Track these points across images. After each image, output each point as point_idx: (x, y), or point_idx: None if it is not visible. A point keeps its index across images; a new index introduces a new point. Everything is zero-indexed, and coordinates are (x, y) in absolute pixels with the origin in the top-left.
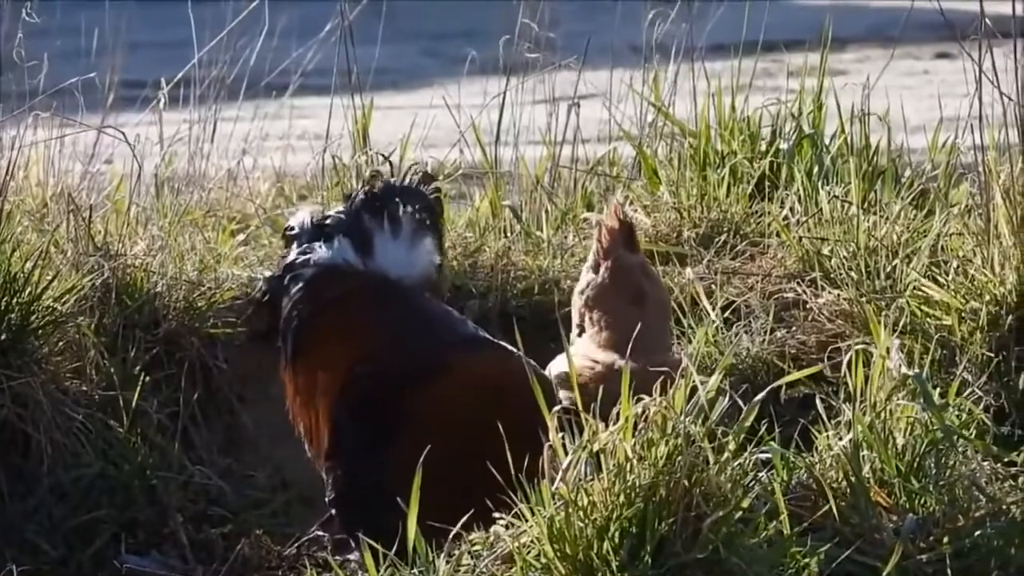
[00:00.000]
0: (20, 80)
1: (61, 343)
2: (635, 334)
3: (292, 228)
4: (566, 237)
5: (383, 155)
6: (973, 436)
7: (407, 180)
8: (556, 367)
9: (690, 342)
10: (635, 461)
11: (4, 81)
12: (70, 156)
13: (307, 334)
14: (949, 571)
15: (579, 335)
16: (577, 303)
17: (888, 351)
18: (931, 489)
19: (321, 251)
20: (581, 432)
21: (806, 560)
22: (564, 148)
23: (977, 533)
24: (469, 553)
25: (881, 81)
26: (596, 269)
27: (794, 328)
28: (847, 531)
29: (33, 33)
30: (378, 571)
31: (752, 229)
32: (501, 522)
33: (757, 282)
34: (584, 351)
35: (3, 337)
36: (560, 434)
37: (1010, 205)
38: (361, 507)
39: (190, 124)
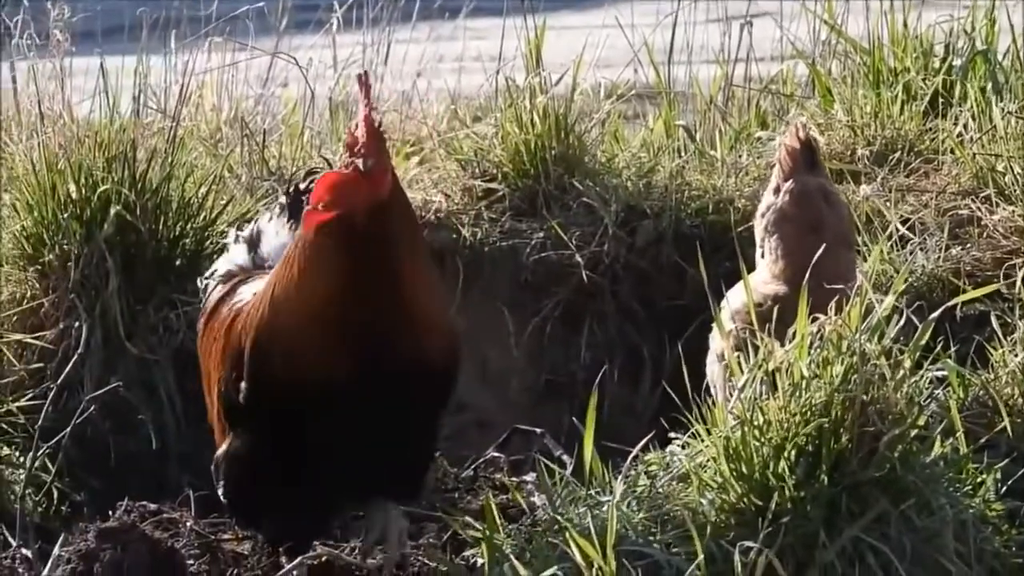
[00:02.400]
0: (193, 5)
1: None
2: (812, 265)
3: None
4: (740, 156)
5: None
6: None
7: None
8: (733, 297)
9: (865, 260)
10: (810, 380)
11: (177, 7)
12: (244, 81)
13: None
14: None
15: (762, 255)
16: (759, 226)
17: None
18: None
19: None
20: (756, 352)
21: (982, 477)
22: (737, 67)
23: None
24: (645, 473)
25: None
26: (776, 192)
27: (969, 245)
28: (1023, 448)
29: None
30: (556, 492)
31: (926, 146)
32: (677, 442)
33: (931, 199)
34: (760, 280)
35: (178, 262)
36: (736, 354)
37: None
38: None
39: (363, 47)
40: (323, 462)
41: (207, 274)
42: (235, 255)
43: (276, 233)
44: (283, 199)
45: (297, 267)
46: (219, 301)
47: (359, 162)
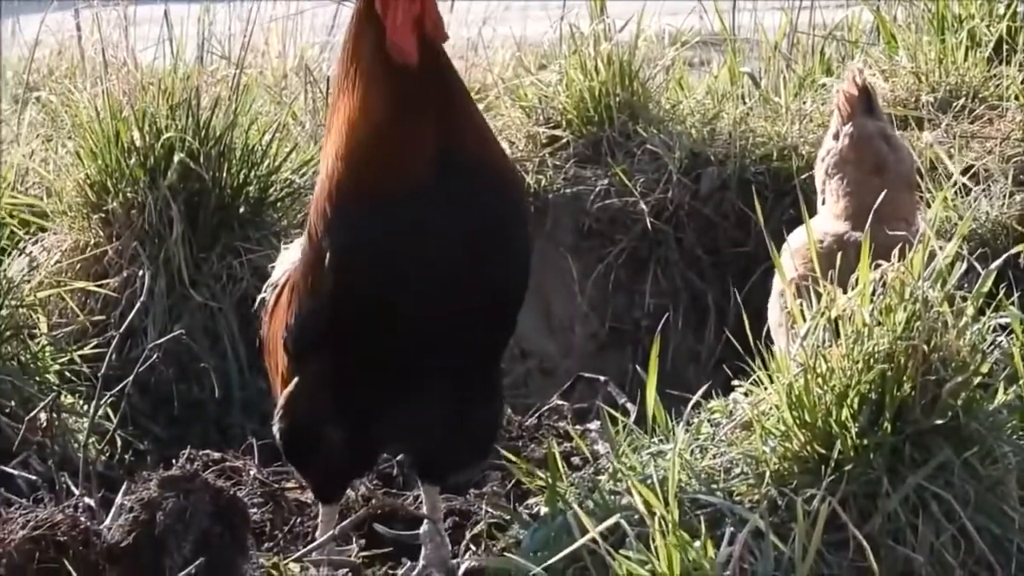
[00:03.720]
0: None
1: (300, 215)
2: (875, 204)
3: None
4: (804, 103)
5: None
6: None
7: None
8: (794, 238)
9: (928, 206)
10: (873, 327)
11: None
12: (309, 28)
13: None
14: None
15: (823, 203)
16: (819, 171)
17: None
18: None
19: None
20: (819, 299)
21: None
22: (802, 13)
23: None
24: (708, 421)
25: None
26: (836, 137)
27: None
28: None
29: None
30: (619, 441)
31: (990, 93)
32: (740, 389)
33: (996, 146)
34: (823, 222)
35: (242, 210)
36: (798, 301)
37: None
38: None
39: None
40: (399, 357)
41: (264, 286)
42: (291, 254)
43: None
44: None
45: (357, 95)
46: (278, 294)
47: None
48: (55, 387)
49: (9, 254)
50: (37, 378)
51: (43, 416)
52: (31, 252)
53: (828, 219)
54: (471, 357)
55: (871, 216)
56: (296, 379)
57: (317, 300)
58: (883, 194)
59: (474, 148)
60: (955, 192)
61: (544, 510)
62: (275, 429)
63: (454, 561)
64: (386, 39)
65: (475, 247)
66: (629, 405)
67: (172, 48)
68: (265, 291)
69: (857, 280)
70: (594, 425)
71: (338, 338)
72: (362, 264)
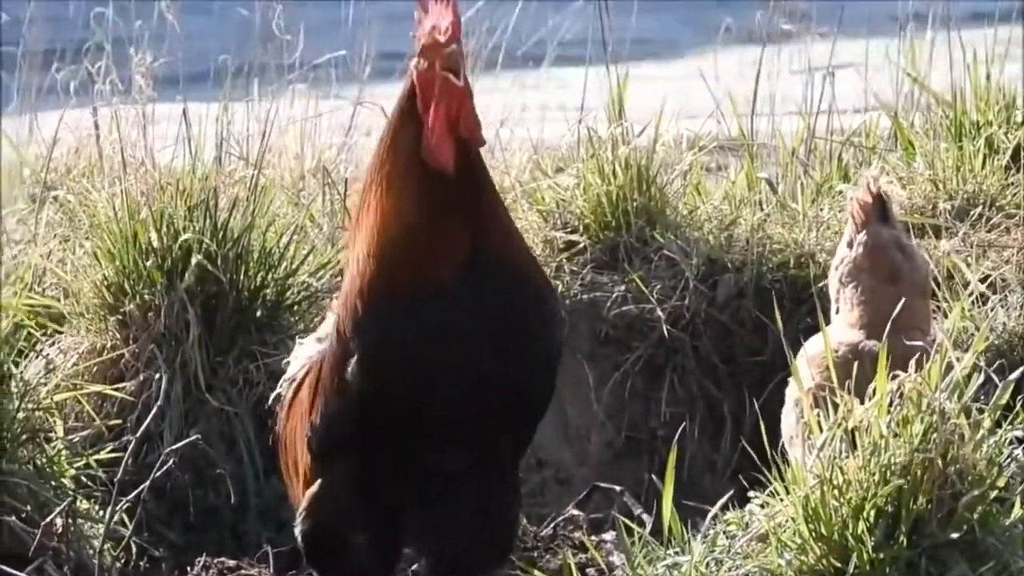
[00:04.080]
0: (278, 53)
1: (317, 319)
2: (890, 313)
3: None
4: (822, 209)
5: None
6: None
7: None
8: (811, 346)
9: (945, 316)
10: (890, 438)
11: (261, 53)
12: (327, 129)
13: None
14: None
15: (836, 312)
16: (833, 279)
17: None
18: None
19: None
20: (836, 410)
21: None
22: (820, 119)
23: None
24: (724, 533)
25: None
26: (850, 245)
27: None
28: None
29: (290, 5)
30: (634, 552)
31: (1008, 201)
32: (756, 501)
33: (1013, 255)
34: (837, 331)
35: (259, 313)
36: (815, 411)
37: None
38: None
39: None
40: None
41: (281, 381)
42: (306, 349)
43: None
44: None
45: (391, 195)
46: (296, 389)
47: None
48: (71, 492)
49: (26, 356)
50: (53, 482)
51: (59, 521)
52: (48, 354)
53: (843, 328)
54: (495, 456)
55: (887, 325)
56: (320, 479)
57: (344, 399)
58: (898, 303)
59: (500, 247)
60: (972, 302)
61: None
62: (297, 531)
63: None
64: (423, 144)
65: (500, 346)
66: (645, 516)
67: (190, 148)
68: (281, 386)
69: (874, 391)
70: (610, 536)
71: (365, 437)
72: (393, 363)
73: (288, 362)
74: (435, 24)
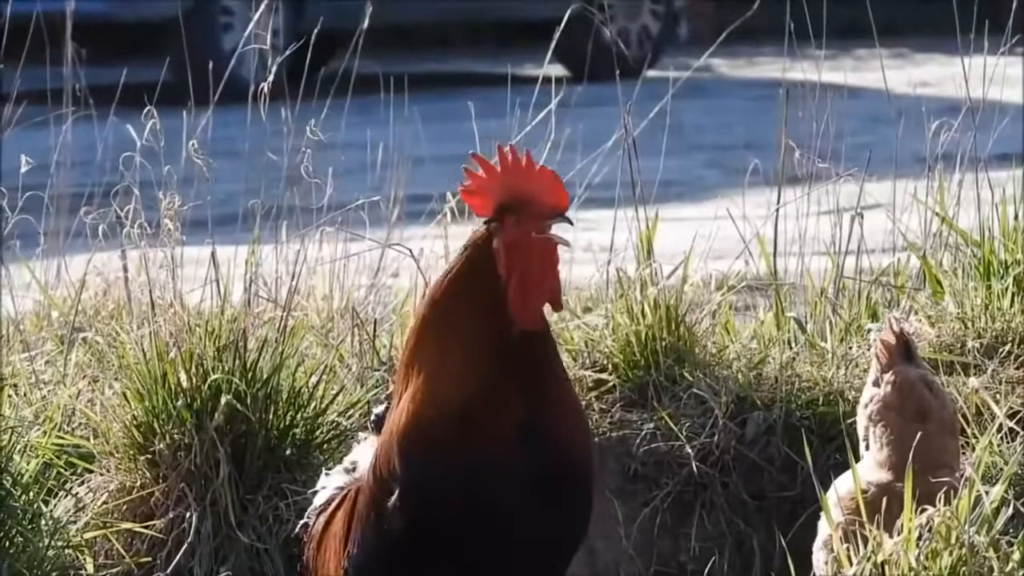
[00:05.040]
0: (306, 195)
1: (346, 457)
2: (919, 451)
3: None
4: (851, 348)
5: None
6: None
7: None
8: (840, 484)
9: (973, 451)
10: (920, 571)
11: (289, 196)
12: (356, 270)
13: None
14: None
15: (866, 448)
16: (862, 416)
17: None
18: None
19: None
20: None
21: None
22: (848, 258)
23: None
24: None
25: None
26: (877, 384)
27: None
28: None
29: (319, 148)
30: None
31: None
32: None
33: None
34: (867, 470)
35: (288, 452)
36: (845, 546)
37: None
38: None
39: None
40: None
41: (308, 511)
42: (334, 480)
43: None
44: (373, 419)
45: (453, 351)
46: (327, 520)
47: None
48: None
49: (55, 495)
50: None
51: None
52: (77, 493)
53: (872, 467)
54: None
55: (915, 463)
56: None
57: (384, 538)
58: (927, 441)
59: (556, 420)
60: (1001, 437)
61: None
62: None
63: None
64: (510, 304)
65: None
66: None
67: (219, 290)
68: (308, 517)
69: (902, 524)
70: None
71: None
72: (436, 515)
73: (315, 491)
74: (540, 186)
